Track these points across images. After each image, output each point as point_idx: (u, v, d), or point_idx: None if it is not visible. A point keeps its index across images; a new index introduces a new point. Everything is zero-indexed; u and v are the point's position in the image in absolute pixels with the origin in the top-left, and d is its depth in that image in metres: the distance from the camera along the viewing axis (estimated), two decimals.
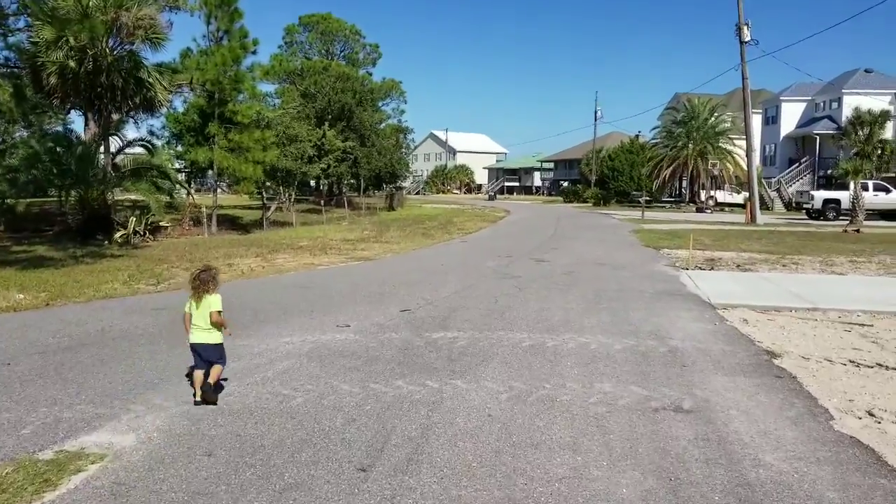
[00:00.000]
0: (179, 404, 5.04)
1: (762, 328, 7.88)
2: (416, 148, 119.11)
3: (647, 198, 43.71)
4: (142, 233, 22.78)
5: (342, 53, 52.32)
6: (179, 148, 28.48)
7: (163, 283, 11.46)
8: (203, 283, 5.11)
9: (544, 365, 6.13)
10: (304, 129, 32.08)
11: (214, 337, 5.12)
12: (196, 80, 25.44)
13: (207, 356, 5.10)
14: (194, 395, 5.05)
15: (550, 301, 9.49)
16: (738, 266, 14.14)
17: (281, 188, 34.49)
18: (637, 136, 66.79)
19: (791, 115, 57.58)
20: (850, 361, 6.38)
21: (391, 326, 7.78)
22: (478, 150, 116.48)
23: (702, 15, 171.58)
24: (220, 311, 5.11)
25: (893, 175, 42.51)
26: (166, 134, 30.59)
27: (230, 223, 32.69)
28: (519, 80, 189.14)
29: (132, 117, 25.19)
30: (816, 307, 9.17)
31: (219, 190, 32.73)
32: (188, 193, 29.56)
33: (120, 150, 24.27)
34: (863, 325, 8.16)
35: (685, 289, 10.75)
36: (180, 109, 30.15)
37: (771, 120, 61.92)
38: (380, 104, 51.85)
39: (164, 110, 28.58)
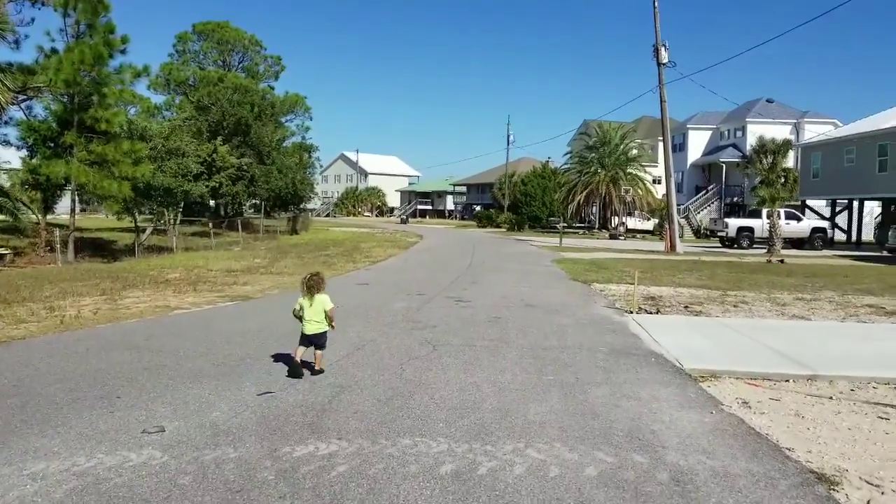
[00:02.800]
0: None
1: (774, 417, 5.60)
2: (326, 169, 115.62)
3: (569, 226, 42.55)
4: None
5: (241, 65, 48.62)
6: (35, 161, 24.23)
7: None
8: (316, 284, 6.52)
9: None
10: (186, 142, 28.38)
11: (325, 327, 6.58)
12: (53, 82, 21.60)
13: (318, 342, 6.60)
14: (291, 366, 6.51)
15: (477, 369, 6.91)
16: (686, 307, 12.13)
17: (165, 209, 30.52)
18: (548, 161, 66.44)
19: (697, 144, 58.60)
20: None
21: (232, 430, 4.95)
22: (390, 172, 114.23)
23: (610, 43, 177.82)
24: (333, 307, 6.58)
25: (796, 203, 43.21)
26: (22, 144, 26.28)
27: (99, 248, 28.50)
28: (431, 103, 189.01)
29: None
30: (816, 374, 7.07)
31: (95, 211, 28.57)
32: (45, 215, 25.32)
33: None
34: (893, 406, 6.07)
35: (642, 344, 8.46)
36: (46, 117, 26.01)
37: (678, 148, 62.90)
38: (283, 120, 48.44)
39: (7, 116, 24.57)
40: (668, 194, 32.29)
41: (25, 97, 25.27)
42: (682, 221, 50.94)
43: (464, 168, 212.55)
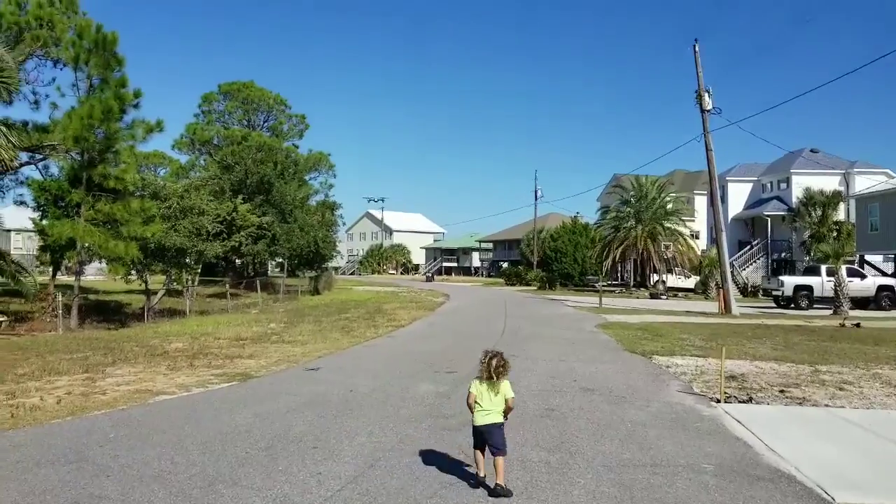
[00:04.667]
0: None
1: None
2: (351, 227, 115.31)
3: (605, 285, 40.28)
4: None
5: (265, 124, 48.17)
6: (44, 221, 23.06)
7: None
8: (503, 369, 5.28)
9: None
10: (203, 200, 27.13)
11: (501, 418, 5.31)
12: (63, 138, 20.53)
13: (494, 440, 5.20)
14: (477, 474, 5.28)
15: None
16: (782, 391, 9.87)
17: (180, 270, 29.05)
18: (577, 216, 64.72)
19: (738, 196, 56.28)
20: None
21: None
22: (415, 229, 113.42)
23: (640, 96, 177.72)
24: (513, 396, 5.39)
25: (852, 259, 40.45)
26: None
27: (110, 312, 27.02)
28: (456, 160, 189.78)
29: None
30: None
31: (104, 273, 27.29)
32: (54, 277, 23.95)
33: None
34: None
35: (758, 457, 6.26)
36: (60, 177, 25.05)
37: (711, 201, 60.67)
38: (307, 178, 47.55)
39: (23, 175, 23.64)
40: (719, 250, 30.02)
41: (42, 156, 24.37)
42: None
43: (489, 224, 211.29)
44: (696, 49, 29.08)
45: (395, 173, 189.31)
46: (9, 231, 48.99)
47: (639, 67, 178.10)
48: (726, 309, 27.66)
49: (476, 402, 5.27)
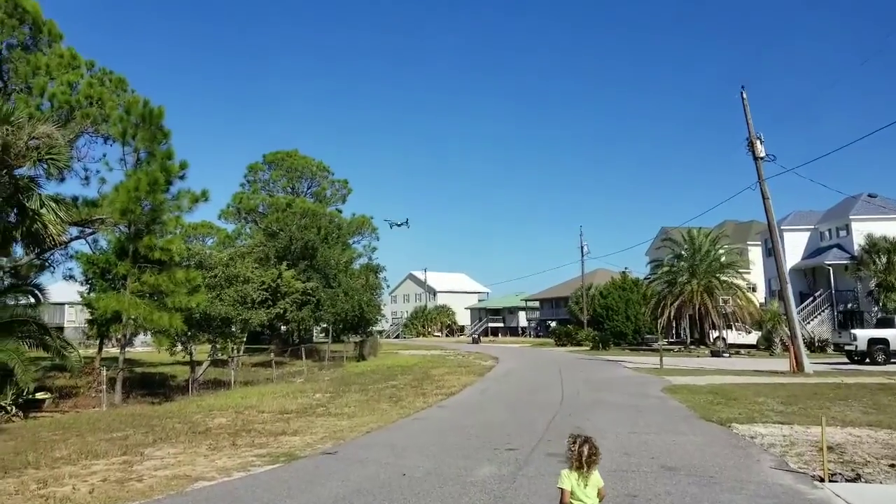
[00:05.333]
0: None
1: None
2: (394, 289, 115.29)
3: (666, 343, 38.69)
4: (8, 409, 17.05)
5: (309, 190, 48.93)
6: (91, 295, 23.22)
7: None
8: (596, 456, 4.86)
9: None
10: (248, 268, 27.11)
11: None
12: (111, 212, 20.84)
13: None
14: None
15: None
16: (893, 466, 8.70)
17: (227, 340, 28.85)
18: (626, 271, 63.28)
19: (795, 246, 54.15)
20: None
21: None
22: (458, 289, 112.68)
23: (686, 148, 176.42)
24: (604, 485, 4.99)
25: None
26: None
27: (155, 385, 26.82)
28: (498, 218, 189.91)
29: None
30: None
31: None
32: (100, 351, 23.94)
33: None
34: None
35: None
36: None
37: (772, 252, 58.69)
38: (350, 242, 47.71)
39: (73, 249, 24.02)
40: (785, 303, 28.53)
41: (91, 230, 24.79)
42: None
43: (534, 282, 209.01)
44: (744, 95, 28.37)
45: (437, 232, 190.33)
46: (62, 304, 50.18)
47: (682, 119, 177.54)
48: (798, 367, 25.97)
49: (574, 498, 4.82)
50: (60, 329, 67.87)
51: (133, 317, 19.84)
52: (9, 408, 17.07)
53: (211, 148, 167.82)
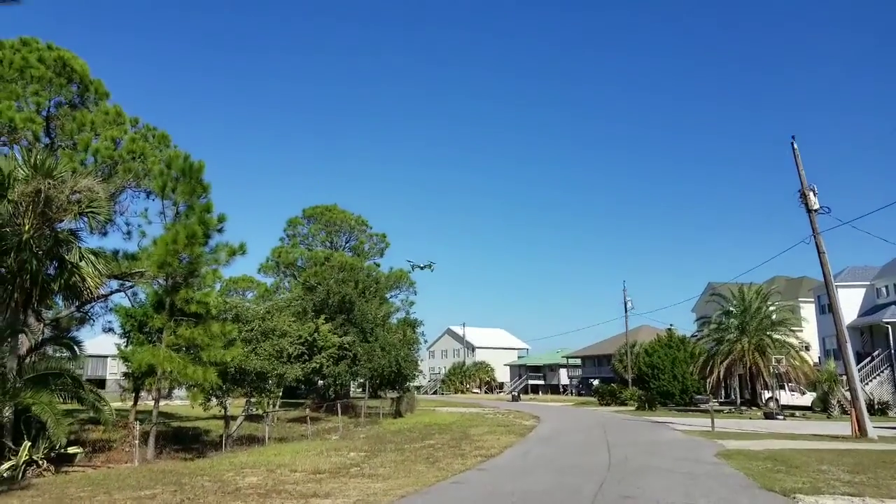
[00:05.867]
0: None
1: None
2: (432, 344, 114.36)
3: (716, 404, 37.06)
4: (39, 462, 16.85)
5: (347, 244, 49.22)
6: (128, 348, 23.28)
7: None
8: None
9: None
10: (284, 322, 26.95)
11: None
12: (149, 265, 21.04)
13: None
14: None
15: None
16: None
17: (261, 395, 28.51)
18: (671, 329, 61.60)
19: (849, 303, 51.96)
20: None
21: None
22: (498, 345, 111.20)
23: (730, 202, 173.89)
24: None
25: None
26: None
27: (189, 440, 26.51)
28: (538, 273, 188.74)
29: (52, 306, 20.25)
30: None
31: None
32: (136, 404, 23.80)
33: (33, 350, 19.06)
34: None
35: None
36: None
37: (826, 309, 56.55)
38: (387, 296, 47.49)
39: (113, 303, 24.24)
40: (845, 363, 27.01)
41: (130, 284, 25.06)
42: (849, 395, 43.78)
43: (576, 339, 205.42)
44: (795, 146, 27.66)
45: (476, 288, 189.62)
46: (105, 357, 50.80)
47: (729, 175, 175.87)
48: (861, 431, 24.38)
49: None
50: (102, 382, 68.93)
51: (167, 370, 19.68)
52: (40, 461, 16.87)
53: (253, 203, 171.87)
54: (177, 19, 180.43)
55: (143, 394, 25.41)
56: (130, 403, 24.07)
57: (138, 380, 22.16)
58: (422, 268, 57.19)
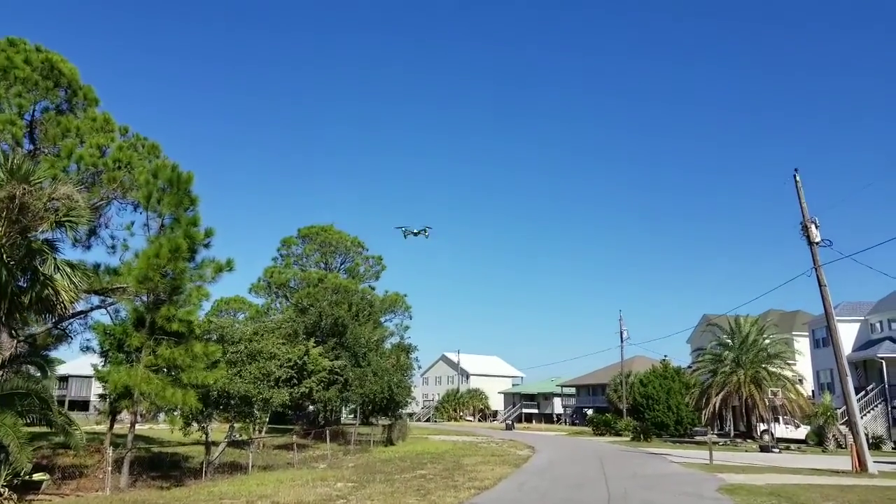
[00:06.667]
0: None
1: None
2: (426, 371, 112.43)
3: (714, 436, 35.76)
4: (0, 491, 15.44)
5: (342, 266, 48.02)
6: (104, 368, 21.93)
7: None
8: None
9: None
10: (273, 343, 25.64)
11: None
12: (130, 280, 19.83)
13: None
14: None
15: None
16: None
17: (247, 420, 26.98)
18: (666, 359, 60.43)
19: (845, 338, 50.52)
20: None
21: None
22: (492, 373, 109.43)
23: (732, 232, 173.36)
24: None
25: None
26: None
27: (167, 467, 24.94)
28: (534, 301, 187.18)
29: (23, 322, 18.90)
30: None
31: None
32: (111, 428, 22.33)
33: (2, 367, 17.71)
34: None
35: None
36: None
37: (820, 343, 55.51)
38: (382, 320, 46.17)
39: (93, 319, 23.00)
40: (846, 397, 25.76)
41: (113, 300, 23.78)
42: (843, 429, 42.45)
43: (571, 368, 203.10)
44: (797, 178, 26.81)
45: (471, 315, 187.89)
46: (90, 378, 49.16)
47: (727, 207, 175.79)
48: (861, 466, 23.16)
49: None
50: (86, 403, 66.81)
51: (145, 393, 18.31)
52: (1, 490, 15.43)
53: (248, 221, 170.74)
54: (173, 33, 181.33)
55: (126, 416, 24.00)
56: (119, 426, 22.63)
57: (114, 402, 20.74)
58: (415, 234, 45.81)
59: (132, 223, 24.16)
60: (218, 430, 27.83)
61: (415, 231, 44.81)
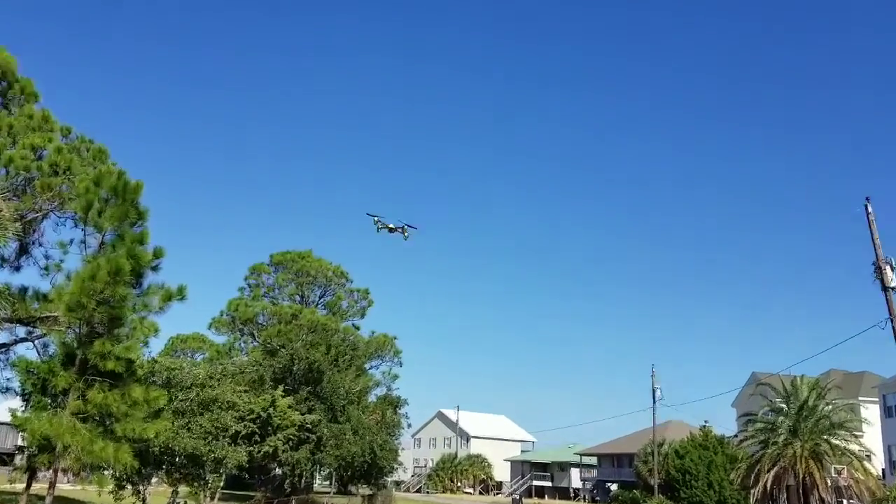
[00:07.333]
0: None
1: None
2: (419, 430, 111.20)
3: None
4: None
5: (321, 300, 47.68)
6: (25, 413, 21.44)
7: None
8: None
9: None
10: (230, 391, 25.15)
11: None
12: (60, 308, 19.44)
13: None
14: None
15: None
16: None
17: (196, 485, 26.34)
18: (706, 426, 59.59)
19: None
20: None
21: None
22: (497, 436, 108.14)
23: (780, 277, 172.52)
24: None
25: None
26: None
27: None
28: (549, 351, 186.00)
29: None
30: None
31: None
32: (29, 486, 21.70)
33: None
34: None
35: None
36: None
37: (891, 412, 54.88)
38: (367, 366, 45.66)
39: (14, 354, 22.52)
40: None
41: (41, 332, 23.33)
42: None
43: (591, 432, 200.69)
44: (869, 209, 26.48)
45: (474, 366, 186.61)
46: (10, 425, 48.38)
47: (774, 249, 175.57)
48: None
49: None
50: (11, 455, 65.71)
51: (69, 446, 17.75)
52: None
53: (212, 242, 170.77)
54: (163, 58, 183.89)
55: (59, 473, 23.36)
56: (23, 485, 21.98)
57: (33, 456, 20.20)
58: (391, 229, 38.17)
59: (70, 241, 23.84)
60: (162, 493, 27.21)
61: (390, 226, 38.66)
